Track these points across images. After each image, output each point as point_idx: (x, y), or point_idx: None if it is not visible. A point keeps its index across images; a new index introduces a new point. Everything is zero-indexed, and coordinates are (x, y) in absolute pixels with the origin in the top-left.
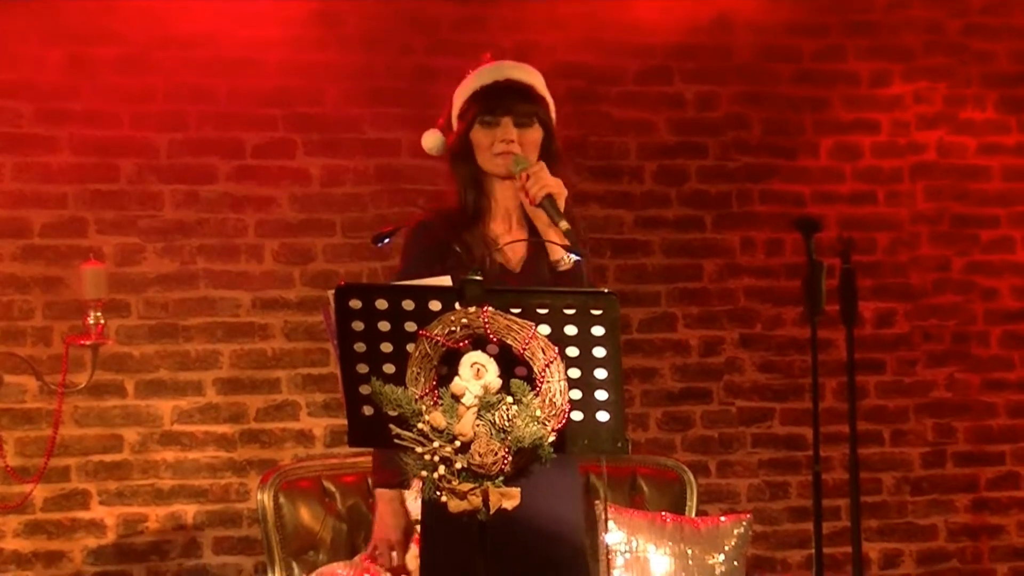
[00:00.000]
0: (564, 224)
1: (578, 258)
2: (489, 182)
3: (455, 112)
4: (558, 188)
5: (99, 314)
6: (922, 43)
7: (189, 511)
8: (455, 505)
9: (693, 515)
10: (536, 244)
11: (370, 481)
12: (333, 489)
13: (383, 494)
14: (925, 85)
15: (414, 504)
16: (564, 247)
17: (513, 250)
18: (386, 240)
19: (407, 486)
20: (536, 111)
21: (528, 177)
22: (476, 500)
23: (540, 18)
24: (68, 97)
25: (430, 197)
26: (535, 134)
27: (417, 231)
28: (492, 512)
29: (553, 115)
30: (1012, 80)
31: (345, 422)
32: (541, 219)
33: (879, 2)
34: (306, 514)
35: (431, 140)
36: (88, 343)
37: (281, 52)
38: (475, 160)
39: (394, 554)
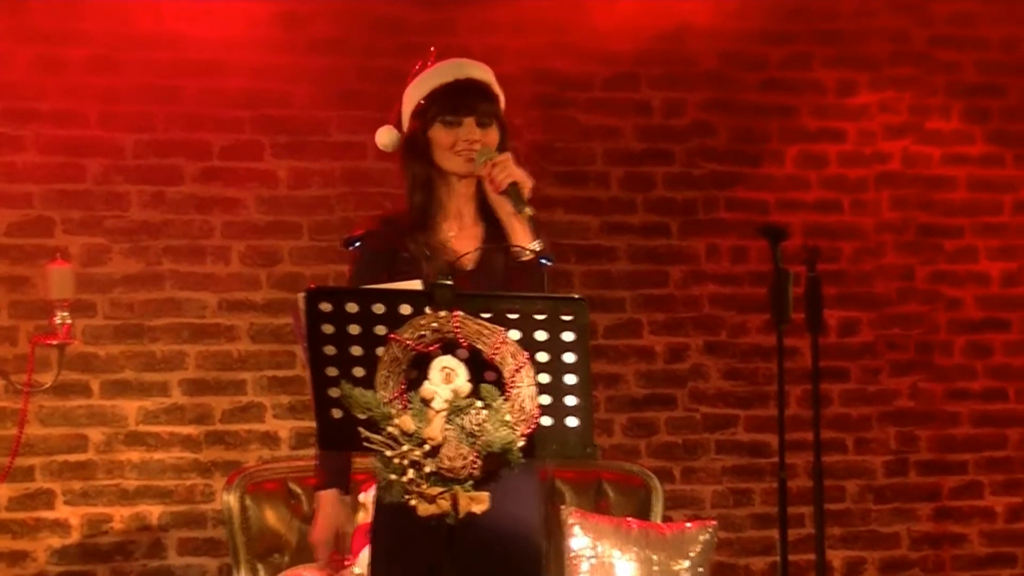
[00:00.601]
0: (528, 211)
1: (545, 258)
2: (443, 181)
3: (408, 109)
4: (523, 177)
5: (65, 314)
6: (888, 53)
7: (154, 512)
8: (424, 509)
9: (658, 521)
10: (490, 241)
11: None
12: (299, 491)
13: (318, 495)
14: (891, 95)
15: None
16: (534, 249)
17: (465, 248)
18: (357, 243)
19: (345, 488)
20: (495, 111)
21: (495, 165)
22: (445, 504)
23: (509, 23)
24: (35, 97)
25: (396, 200)
26: (495, 134)
27: (366, 237)
28: (460, 516)
29: (503, 110)
30: (977, 90)
31: (311, 424)
32: (504, 208)
33: (846, 11)
34: (272, 516)
35: (386, 136)
36: (54, 343)
37: (249, 54)
38: (431, 158)
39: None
